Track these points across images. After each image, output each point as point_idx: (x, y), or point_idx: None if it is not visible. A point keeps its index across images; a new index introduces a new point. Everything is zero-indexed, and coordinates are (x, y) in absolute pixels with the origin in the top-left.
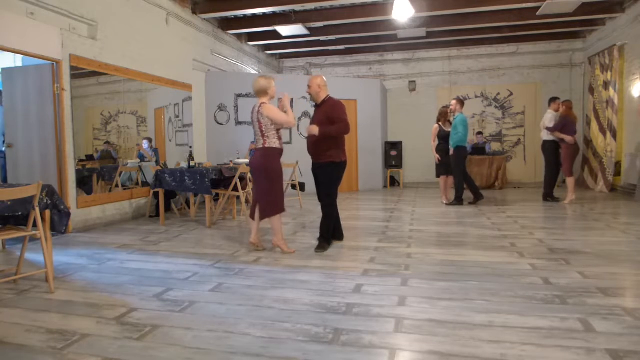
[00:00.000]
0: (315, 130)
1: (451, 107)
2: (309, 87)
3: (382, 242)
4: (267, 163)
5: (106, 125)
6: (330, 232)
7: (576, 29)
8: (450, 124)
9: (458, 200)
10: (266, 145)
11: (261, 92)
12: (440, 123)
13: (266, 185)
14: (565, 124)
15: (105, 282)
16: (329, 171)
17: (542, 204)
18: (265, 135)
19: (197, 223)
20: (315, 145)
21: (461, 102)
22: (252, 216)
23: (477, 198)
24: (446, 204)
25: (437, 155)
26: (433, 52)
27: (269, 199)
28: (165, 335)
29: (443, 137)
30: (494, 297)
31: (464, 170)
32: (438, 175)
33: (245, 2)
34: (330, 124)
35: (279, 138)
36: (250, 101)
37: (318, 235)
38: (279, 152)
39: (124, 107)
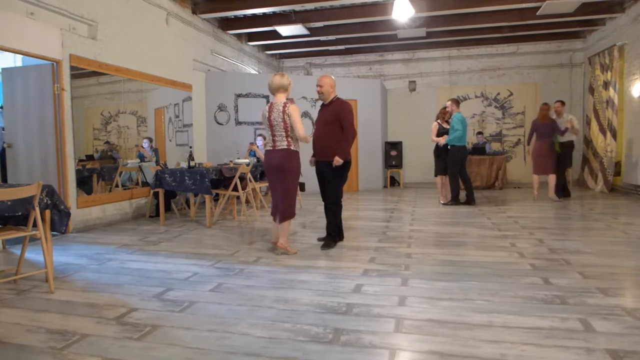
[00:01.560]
0: (339, 161)
1: (447, 108)
2: (321, 86)
3: (382, 242)
4: (295, 164)
5: (106, 125)
6: (337, 230)
7: (576, 29)
8: (448, 122)
9: (455, 200)
10: (292, 148)
11: (280, 89)
12: (439, 120)
13: (289, 188)
14: (534, 130)
15: (105, 282)
16: (336, 170)
17: (542, 204)
18: (290, 136)
19: (197, 223)
20: (322, 144)
21: (456, 102)
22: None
23: (469, 201)
24: (443, 204)
25: (441, 140)
26: (433, 52)
27: (290, 202)
28: (165, 335)
29: (442, 135)
30: (494, 297)
31: (464, 170)
32: (436, 175)
33: (245, 2)
34: (339, 122)
35: (296, 141)
36: (250, 101)
37: (318, 234)
38: (298, 155)
39: (124, 107)
